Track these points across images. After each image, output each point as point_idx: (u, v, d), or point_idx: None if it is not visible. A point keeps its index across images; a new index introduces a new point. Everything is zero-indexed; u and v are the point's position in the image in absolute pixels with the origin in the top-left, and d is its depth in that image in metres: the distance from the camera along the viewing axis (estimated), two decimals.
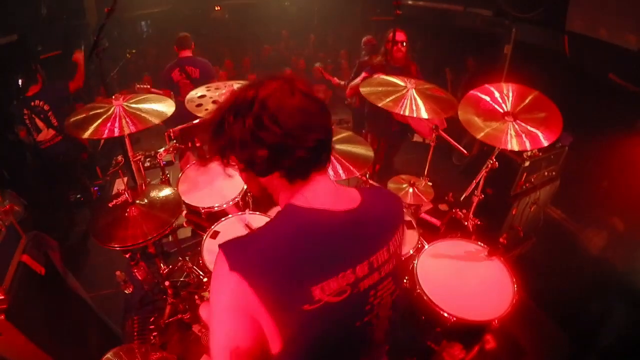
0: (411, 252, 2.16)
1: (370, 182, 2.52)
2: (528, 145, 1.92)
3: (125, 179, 1.99)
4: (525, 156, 2.95)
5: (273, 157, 0.81)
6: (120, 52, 5.12)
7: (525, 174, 3.03)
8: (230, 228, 2.24)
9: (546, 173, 3.21)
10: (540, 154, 3.02)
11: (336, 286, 0.81)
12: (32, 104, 3.32)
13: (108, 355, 1.85)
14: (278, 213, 0.88)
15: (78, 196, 4.06)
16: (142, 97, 2.13)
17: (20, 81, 3.32)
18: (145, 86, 3.77)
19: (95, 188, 4.22)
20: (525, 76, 3.22)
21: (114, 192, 4.21)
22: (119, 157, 4.78)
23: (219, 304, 0.80)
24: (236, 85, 2.46)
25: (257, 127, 0.79)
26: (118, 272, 2.39)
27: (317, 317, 0.79)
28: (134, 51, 4.84)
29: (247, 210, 2.33)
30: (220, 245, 0.81)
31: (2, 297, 1.64)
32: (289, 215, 0.86)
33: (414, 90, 2.21)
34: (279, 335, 0.79)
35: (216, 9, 7.93)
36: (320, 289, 0.79)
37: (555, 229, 3.52)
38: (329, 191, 0.89)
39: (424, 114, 2.13)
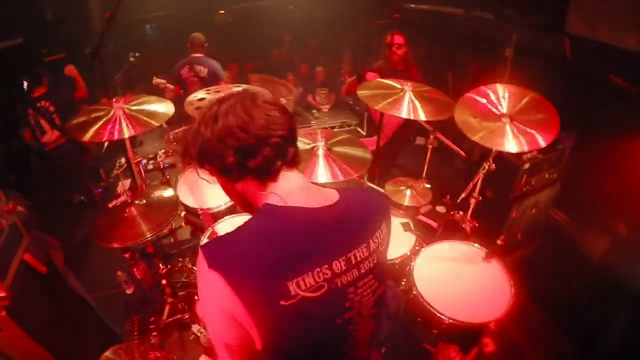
0: (408, 253, 2.17)
1: (369, 184, 2.53)
2: (525, 147, 1.92)
3: (128, 181, 2.02)
4: (525, 158, 2.94)
5: (242, 160, 0.87)
6: (125, 56, 5.18)
7: (525, 177, 3.01)
8: (229, 229, 2.26)
9: (547, 175, 3.18)
10: (541, 156, 3.00)
11: (312, 282, 0.82)
12: (38, 104, 3.37)
13: (107, 353, 1.87)
14: (256, 212, 0.92)
15: (82, 198, 4.10)
16: (143, 99, 2.16)
17: (25, 83, 3.38)
18: (162, 81, 3.91)
19: (99, 190, 4.26)
20: (526, 79, 3.22)
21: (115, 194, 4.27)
22: (123, 160, 4.82)
23: (205, 303, 0.84)
24: (236, 89, 2.49)
25: (223, 134, 0.87)
26: (119, 273, 2.42)
27: (294, 313, 0.81)
28: (137, 54, 4.90)
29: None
30: (200, 246, 0.85)
31: (4, 294, 1.67)
32: (264, 214, 0.89)
33: (411, 93, 2.22)
34: (257, 333, 0.80)
35: (220, 12, 8.00)
36: (296, 284, 0.80)
37: (557, 232, 3.49)
38: (303, 189, 0.93)
39: (422, 116, 2.14)
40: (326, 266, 0.85)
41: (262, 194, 0.92)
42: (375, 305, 0.96)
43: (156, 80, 4.00)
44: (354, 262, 0.89)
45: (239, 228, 0.87)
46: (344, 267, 0.87)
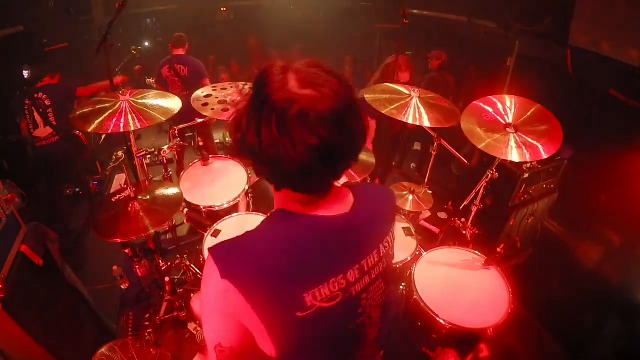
0: (409, 258, 2.18)
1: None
2: (528, 157, 1.95)
3: (122, 175, 1.99)
4: (524, 168, 2.98)
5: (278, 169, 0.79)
6: (124, 49, 5.12)
7: (524, 186, 3.05)
8: (232, 227, 2.25)
9: (544, 185, 3.23)
10: (540, 166, 3.03)
11: (328, 292, 0.81)
12: (35, 95, 3.23)
13: (103, 349, 1.84)
14: (269, 217, 0.89)
15: (77, 190, 4.04)
16: (149, 92, 2.14)
17: (26, 72, 3.32)
18: (152, 80, 3.91)
19: (95, 182, 4.20)
20: (526, 89, 3.25)
21: (115, 188, 4.20)
22: (119, 153, 4.77)
23: (208, 306, 0.82)
24: (242, 85, 2.48)
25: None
26: (115, 267, 2.38)
27: (310, 323, 0.79)
28: (139, 48, 4.83)
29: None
30: (209, 250, 0.80)
31: (0, 286, 1.64)
32: (280, 222, 0.86)
33: (417, 99, 2.23)
34: (271, 341, 0.79)
35: (222, 10, 7.96)
36: (312, 296, 0.79)
37: (551, 241, 3.53)
38: (322, 197, 0.87)
39: (427, 123, 2.15)
40: (341, 276, 0.83)
41: (284, 195, 0.87)
42: (382, 305, 0.97)
43: (148, 81, 4.02)
44: (366, 269, 0.88)
45: (252, 234, 0.83)
46: (357, 276, 0.86)
